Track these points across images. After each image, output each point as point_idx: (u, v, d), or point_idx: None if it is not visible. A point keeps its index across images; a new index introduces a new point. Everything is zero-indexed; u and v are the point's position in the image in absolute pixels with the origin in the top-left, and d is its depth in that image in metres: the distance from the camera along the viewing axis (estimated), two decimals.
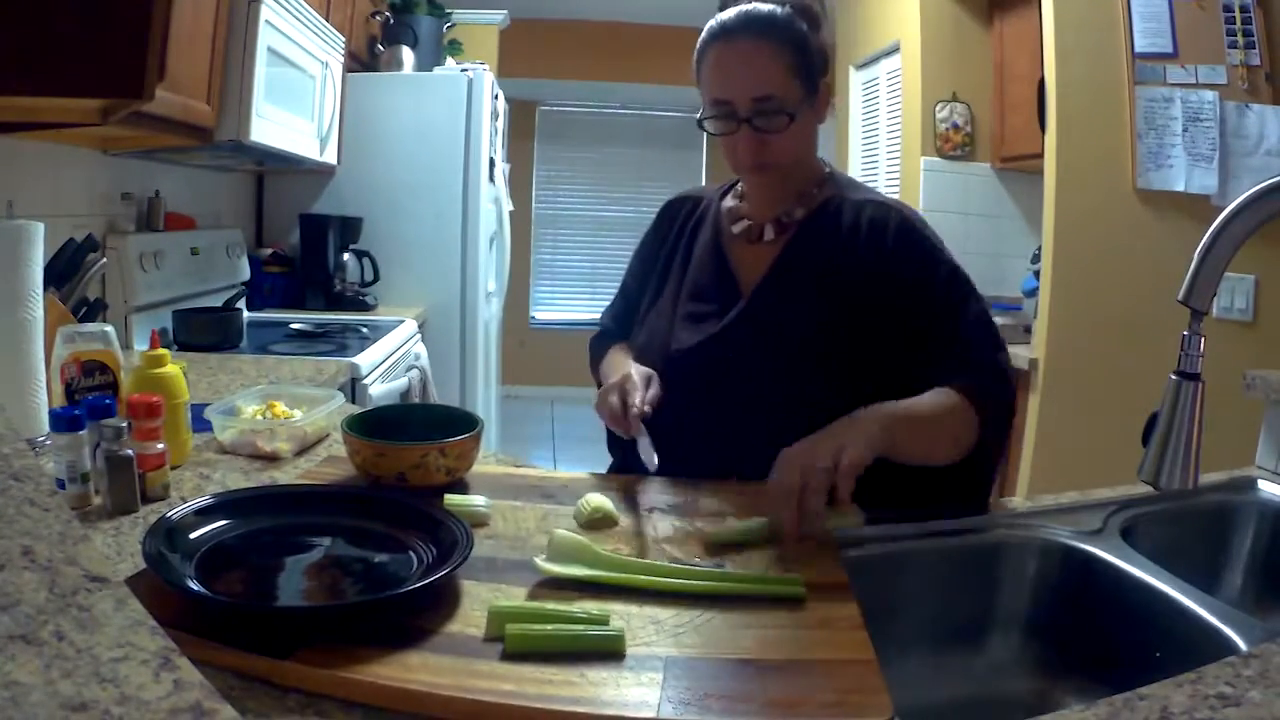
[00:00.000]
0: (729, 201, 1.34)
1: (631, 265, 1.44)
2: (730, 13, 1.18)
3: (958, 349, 1.16)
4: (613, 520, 0.99)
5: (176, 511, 0.87)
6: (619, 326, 1.43)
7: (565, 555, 0.85)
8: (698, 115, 1.22)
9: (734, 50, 1.17)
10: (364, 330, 2.70)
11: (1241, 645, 0.82)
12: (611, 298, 1.50)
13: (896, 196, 3.81)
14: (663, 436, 1.17)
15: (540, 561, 0.84)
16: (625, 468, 1.28)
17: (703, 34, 1.21)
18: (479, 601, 0.78)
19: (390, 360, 2.56)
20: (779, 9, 1.18)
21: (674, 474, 1.14)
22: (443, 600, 0.78)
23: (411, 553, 0.86)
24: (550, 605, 0.77)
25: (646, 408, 1.15)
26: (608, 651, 0.70)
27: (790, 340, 1.19)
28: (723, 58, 1.18)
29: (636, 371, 1.20)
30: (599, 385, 1.36)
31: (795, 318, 1.20)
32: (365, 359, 2.29)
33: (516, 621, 0.72)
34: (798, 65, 1.17)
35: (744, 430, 1.18)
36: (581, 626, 0.73)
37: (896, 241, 1.20)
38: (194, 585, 0.76)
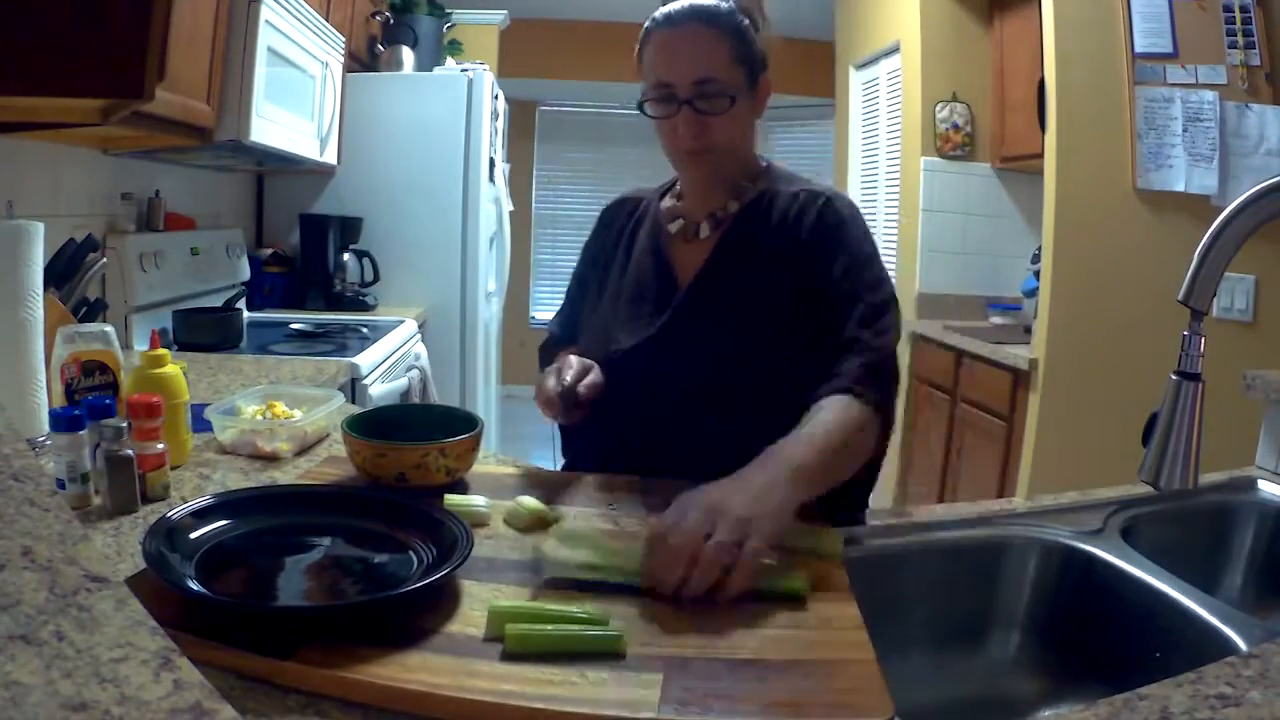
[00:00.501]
0: (667, 201, 1.34)
1: (575, 270, 1.44)
2: (675, 4, 1.20)
3: (845, 342, 1.12)
4: (548, 521, 0.99)
5: (176, 511, 0.87)
6: (565, 333, 1.43)
7: (575, 541, 0.86)
8: (639, 99, 1.21)
9: (678, 35, 1.18)
10: (364, 330, 2.70)
11: (1241, 645, 0.82)
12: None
13: (895, 196, 3.83)
14: (609, 438, 1.20)
15: (549, 549, 0.85)
16: (573, 465, 1.30)
17: (646, 23, 1.22)
18: (479, 601, 0.78)
19: (390, 360, 2.56)
20: (722, 3, 1.19)
21: (620, 474, 1.16)
22: (443, 600, 0.78)
23: (411, 553, 0.86)
24: (550, 605, 0.77)
25: (582, 388, 1.16)
26: (608, 652, 0.70)
27: (725, 334, 1.19)
28: (667, 42, 1.18)
29: (575, 359, 1.21)
30: None
31: (729, 311, 1.20)
32: (365, 359, 2.29)
33: (516, 621, 0.72)
34: (739, 54, 1.18)
35: (686, 427, 1.17)
36: (581, 626, 0.73)
37: (816, 223, 1.20)
38: (194, 585, 0.76)
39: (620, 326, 1.27)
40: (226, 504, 0.92)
